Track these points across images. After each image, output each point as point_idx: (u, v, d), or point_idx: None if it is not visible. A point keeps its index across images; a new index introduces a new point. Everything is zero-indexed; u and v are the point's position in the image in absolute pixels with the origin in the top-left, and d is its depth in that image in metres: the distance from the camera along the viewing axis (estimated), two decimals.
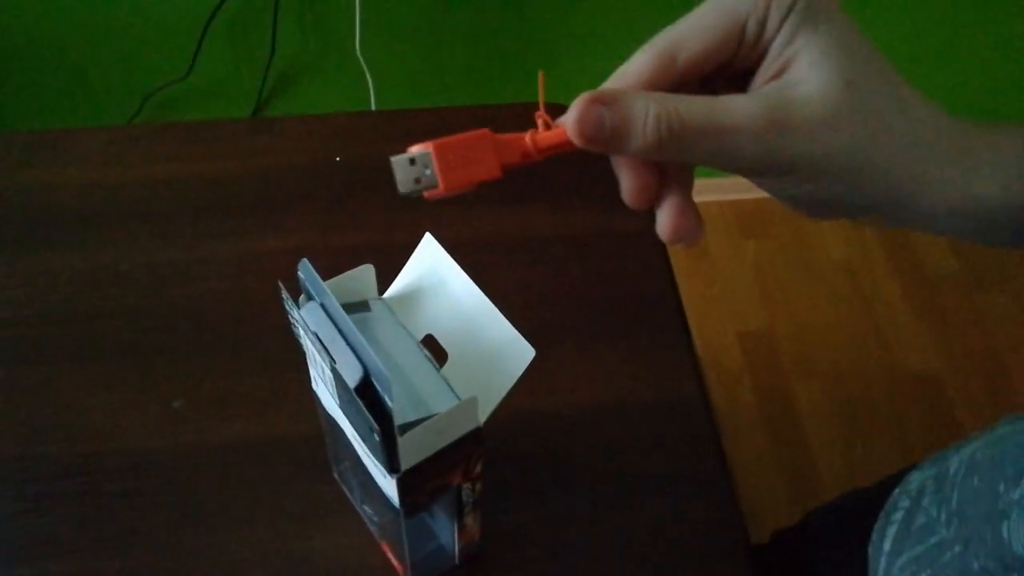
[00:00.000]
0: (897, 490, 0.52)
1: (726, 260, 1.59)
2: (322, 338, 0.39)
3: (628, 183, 0.30)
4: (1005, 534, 0.36)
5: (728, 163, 0.27)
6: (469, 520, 0.48)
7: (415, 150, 0.35)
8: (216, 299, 0.65)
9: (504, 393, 0.41)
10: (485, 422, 0.41)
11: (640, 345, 0.63)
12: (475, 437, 0.41)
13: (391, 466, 0.39)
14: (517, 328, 0.42)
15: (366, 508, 0.52)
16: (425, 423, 0.38)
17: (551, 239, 0.69)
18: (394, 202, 0.71)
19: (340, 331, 0.39)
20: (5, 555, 0.52)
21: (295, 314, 0.40)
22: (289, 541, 0.53)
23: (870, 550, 0.50)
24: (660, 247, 0.71)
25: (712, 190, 1.65)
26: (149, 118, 1.39)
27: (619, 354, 0.62)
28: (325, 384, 0.42)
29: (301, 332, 0.41)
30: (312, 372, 0.45)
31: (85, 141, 0.76)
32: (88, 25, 1.29)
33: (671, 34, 0.27)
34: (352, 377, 0.37)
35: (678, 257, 1.64)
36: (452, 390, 0.43)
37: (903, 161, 0.24)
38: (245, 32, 1.31)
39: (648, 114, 0.25)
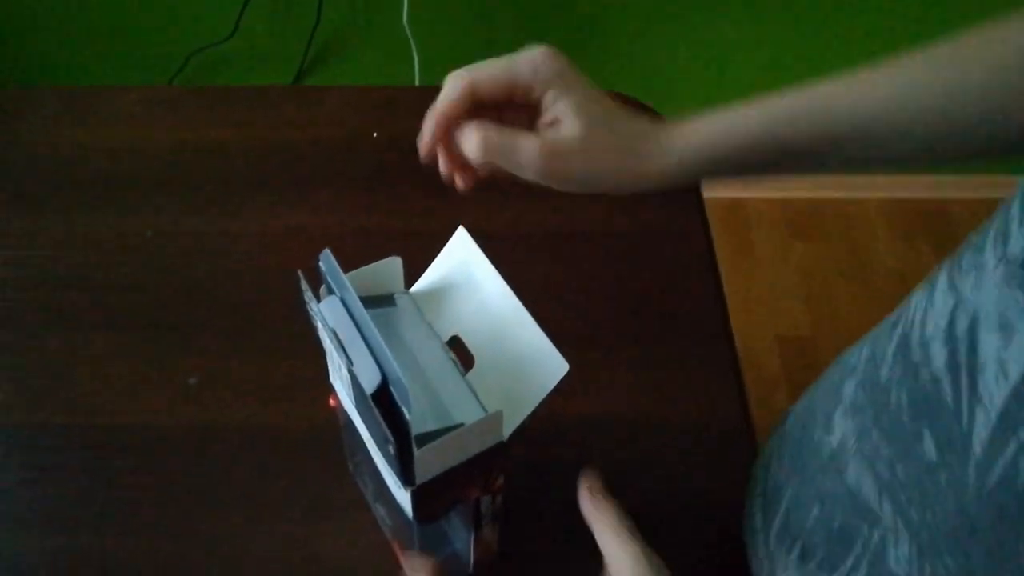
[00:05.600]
0: (754, 465, 0.52)
1: (771, 260, 1.53)
2: (340, 337, 0.36)
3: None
4: (853, 484, 0.37)
5: (525, 173, 0.42)
6: (487, 532, 0.45)
7: None
8: (240, 274, 0.63)
9: (532, 407, 0.38)
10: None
11: (678, 356, 0.59)
12: (498, 452, 0.38)
13: (405, 479, 0.36)
14: (546, 328, 0.38)
15: (379, 507, 0.49)
16: (445, 437, 0.35)
17: (593, 234, 0.66)
18: (430, 185, 0.68)
19: (360, 330, 0.36)
20: (3, 524, 0.51)
21: (313, 307, 0.37)
22: (298, 537, 0.51)
23: (746, 536, 0.50)
24: (708, 250, 0.67)
25: (762, 186, 1.59)
26: (191, 78, 1.37)
27: (654, 364, 0.59)
28: (342, 381, 0.39)
29: (319, 325, 0.38)
30: (330, 365, 0.42)
31: (118, 100, 0.74)
32: None
33: (475, 74, 0.41)
34: (369, 382, 0.34)
35: (720, 252, 1.59)
36: (477, 399, 0.40)
37: (624, 156, 0.42)
38: None
39: (475, 135, 0.41)
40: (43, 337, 0.59)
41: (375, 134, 0.72)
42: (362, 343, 0.35)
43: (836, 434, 0.39)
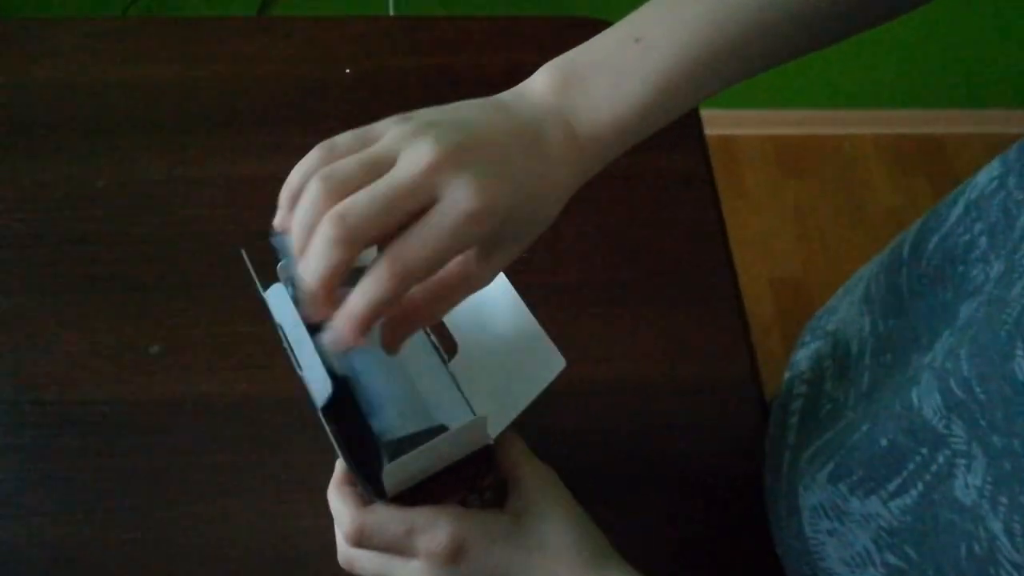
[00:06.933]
0: (787, 375, 0.49)
1: (764, 199, 1.49)
2: (289, 337, 0.31)
3: None
4: (915, 400, 0.33)
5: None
6: None
7: None
8: (204, 228, 0.57)
9: (523, 406, 0.34)
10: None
11: (683, 312, 0.55)
12: (484, 456, 0.34)
13: (374, 491, 0.32)
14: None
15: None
16: (419, 449, 0.31)
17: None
18: None
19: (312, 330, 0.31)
20: None
21: (260, 295, 0.32)
22: (275, 516, 0.47)
23: (767, 444, 0.48)
24: (712, 196, 0.62)
25: (753, 122, 1.54)
26: (144, 11, 1.27)
27: (657, 321, 0.54)
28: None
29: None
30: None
31: (61, 34, 0.67)
32: None
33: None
34: (320, 394, 0.30)
35: None
36: (462, 394, 0.35)
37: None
38: None
39: None
40: None
41: (347, 70, 0.66)
42: (311, 344, 0.30)
43: (934, 352, 0.35)
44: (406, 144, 0.30)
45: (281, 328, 0.31)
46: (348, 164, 0.30)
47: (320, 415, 0.30)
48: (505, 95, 0.35)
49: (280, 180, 0.60)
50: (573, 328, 0.54)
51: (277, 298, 0.32)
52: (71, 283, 0.54)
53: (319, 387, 0.30)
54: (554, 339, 0.36)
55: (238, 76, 0.65)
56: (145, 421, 0.49)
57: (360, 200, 0.29)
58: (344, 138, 0.32)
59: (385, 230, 0.29)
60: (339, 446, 0.30)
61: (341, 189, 0.29)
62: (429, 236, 0.29)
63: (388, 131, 0.32)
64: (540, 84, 0.35)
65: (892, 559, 0.36)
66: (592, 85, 0.34)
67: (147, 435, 0.49)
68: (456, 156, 0.30)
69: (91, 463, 0.48)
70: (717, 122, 1.55)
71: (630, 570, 0.36)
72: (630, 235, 0.58)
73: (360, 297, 0.29)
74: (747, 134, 1.55)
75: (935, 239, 0.39)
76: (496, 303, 0.35)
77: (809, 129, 1.55)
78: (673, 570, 0.46)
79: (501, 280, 0.36)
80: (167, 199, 0.58)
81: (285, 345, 0.32)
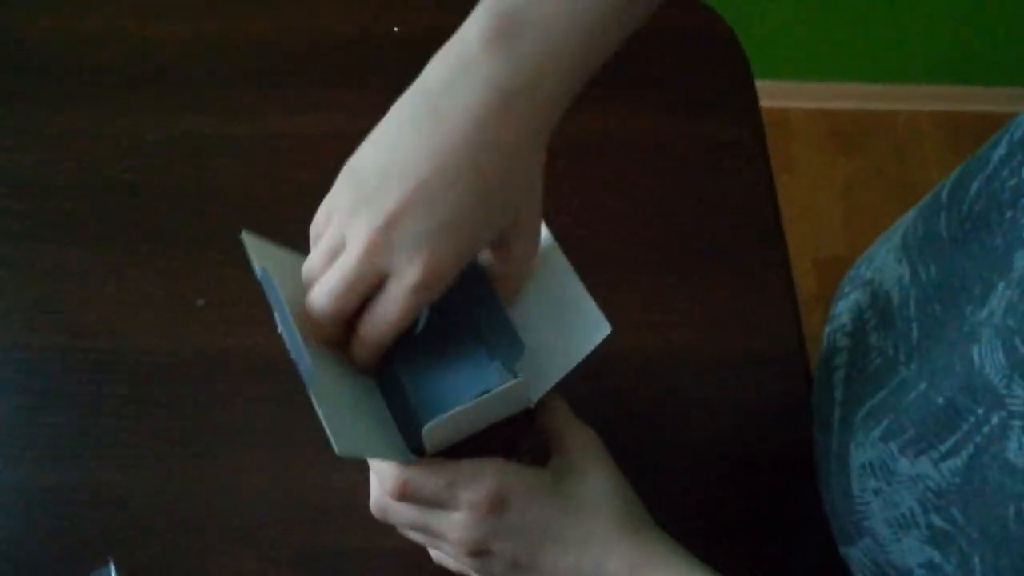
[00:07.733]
0: (827, 328, 0.48)
1: (813, 176, 1.45)
2: (279, 319, 0.31)
3: None
4: (976, 359, 0.32)
5: None
6: None
7: None
8: (251, 182, 0.57)
9: (568, 369, 0.34)
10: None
11: (732, 283, 0.54)
12: (524, 419, 0.34)
13: (413, 448, 0.32)
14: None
15: None
16: (460, 409, 0.31)
17: (629, 145, 0.59)
18: None
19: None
20: None
21: (257, 273, 0.32)
22: (313, 473, 0.47)
23: (815, 400, 0.47)
24: (763, 163, 0.60)
25: (804, 96, 1.49)
26: None
27: (705, 291, 0.53)
28: None
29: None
30: None
31: None
32: None
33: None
34: (307, 375, 0.30)
35: None
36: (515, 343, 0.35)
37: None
38: None
39: None
40: (36, 251, 0.54)
41: (396, 29, 0.65)
42: (296, 330, 0.30)
43: (991, 305, 0.33)
44: (346, 228, 0.33)
45: (274, 309, 0.31)
46: (313, 263, 0.35)
47: (312, 397, 0.30)
48: (433, 78, 0.36)
49: (327, 137, 0.60)
50: (619, 297, 0.52)
51: (271, 279, 0.32)
52: (121, 235, 0.55)
53: (306, 369, 0.30)
54: (600, 307, 0.35)
55: (285, 32, 0.65)
56: (190, 372, 0.50)
57: (317, 294, 0.33)
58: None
59: (352, 308, 0.33)
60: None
61: (308, 284, 0.34)
62: (386, 310, 0.33)
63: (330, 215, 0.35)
64: (474, 41, 0.34)
65: (937, 521, 0.35)
66: (531, 23, 0.33)
67: (192, 385, 0.50)
68: (389, 229, 0.32)
69: (137, 410, 0.49)
70: (769, 93, 1.52)
71: (665, 536, 0.36)
72: (680, 205, 0.57)
73: (358, 356, 0.34)
74: (799, 107, 1.51)
75: (977, 182, 0.37)
76: (546, 266, 0.35)
77: (863, 104, 1.51)
78: (717, 534, 0.45)
79: (551, 244, 0.35)
80: (214, 153, 0.58)
81: (280, 327, 0.31)
